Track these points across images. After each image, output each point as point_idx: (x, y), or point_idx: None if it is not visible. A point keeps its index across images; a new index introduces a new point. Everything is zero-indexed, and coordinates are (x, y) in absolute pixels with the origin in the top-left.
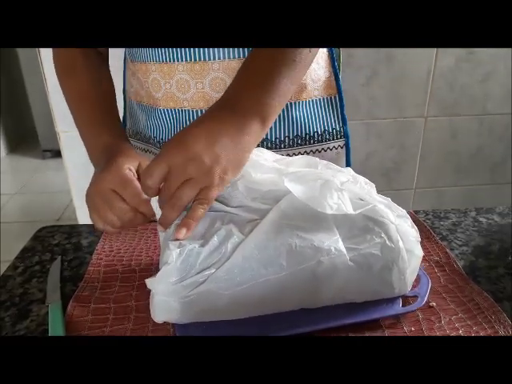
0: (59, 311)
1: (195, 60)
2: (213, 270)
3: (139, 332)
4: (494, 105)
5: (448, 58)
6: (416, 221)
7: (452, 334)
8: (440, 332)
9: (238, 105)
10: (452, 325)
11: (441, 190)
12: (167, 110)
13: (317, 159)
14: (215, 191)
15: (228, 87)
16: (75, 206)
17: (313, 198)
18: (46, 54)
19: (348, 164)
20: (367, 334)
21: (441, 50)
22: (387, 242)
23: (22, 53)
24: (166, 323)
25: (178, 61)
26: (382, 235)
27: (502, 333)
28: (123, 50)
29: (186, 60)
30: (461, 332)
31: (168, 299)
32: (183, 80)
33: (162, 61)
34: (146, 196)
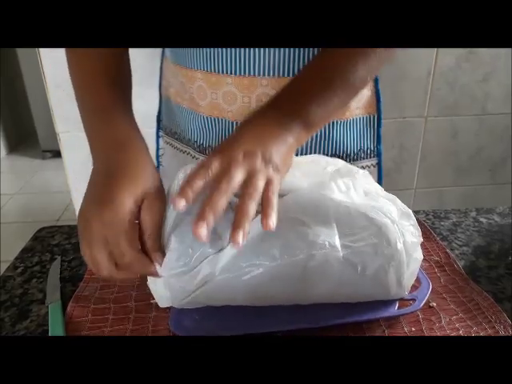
0: (59, 311)
1: (245, 74)
2: (211, 257)
3: (139, 332)
4: (494, 105)
5: (448, 57)
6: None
7: (452, 334)
8: (440, 332)
9: (284, 106)
10: (452, 325)
11: (441, 190)
12: (211, 118)
13: (325, 157)
14: (278, 184)
15: (277, 92)
16: (75, 207)
17: (321, 183)
18: (46, 54)
19: (379, 183)
20: (367, 334)
21: (441, 50)
22: (384, 243)
23: (22, 53)
24: (166, 323)
25: (227, 73)
26: (380, 236)
27: (502, 333)
28: None
29: (236, 73)
30: (461, 332)
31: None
32: (230, 92)
33: (211, 70)
34: (139, 251)
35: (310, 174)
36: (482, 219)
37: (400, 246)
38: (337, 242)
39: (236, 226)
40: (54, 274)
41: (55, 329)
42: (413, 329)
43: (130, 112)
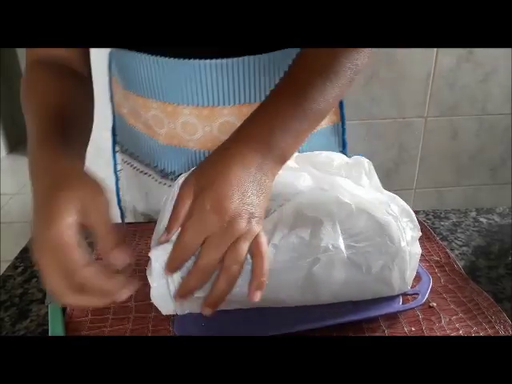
0: (59, 311)
1: (203, 104)
2: None
3: (139, 332)
4: (494, 105)
5: (448, 58)
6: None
7: (452, 334)
8: (440, 332)
9: (259, 144)
10: (452, 325)
11: (441, 191)
12: (170, 146)
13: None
14: (263, 235)
15: (246, 124)
16: None
17: (334, 173)
18: None
19: None
20: (367, 334)
21: (441, 50)
22: (388, 241)
23: (22, 53)
24: (166, 323)
25: (184, 103)
26: (383, 234)
27: (502, 333)
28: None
29: (194, 104)
30: (461, 332)
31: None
32: (190, 123)
33: (166, 100)
34: (88, 266)
35: (320, 166)
36: (481, 219)
37: (403, 243)
38: (340, 243)
39: (210, 300)
40: None
41: (55, 329)
42: (413, 329)
43: (73, 140)
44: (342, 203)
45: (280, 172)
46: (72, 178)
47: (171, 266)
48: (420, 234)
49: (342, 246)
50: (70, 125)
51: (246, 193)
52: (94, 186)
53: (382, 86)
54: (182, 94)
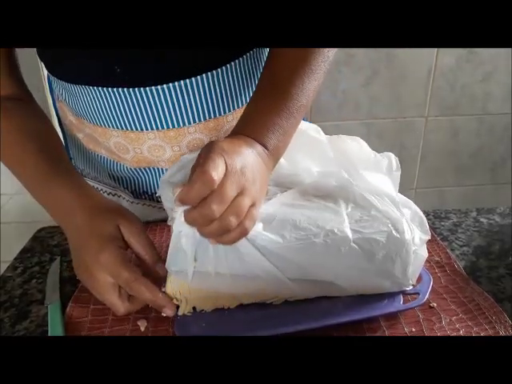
0: (58, 312)
1: (169, 127)
2: None
3: (139, 332)
4: (495, 105)
5: (448, 57)
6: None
7: (452, 335)
8: (440, 332)
9: (265, 147)
10: (452, 325)
11: (441, 191)
12: (139, 169)
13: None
14: (258, 210)
15: (237, 129)
16: None
17: (366, 160)
18: None
19: None
20: (367, 334)
21: (441, 49)
22: (393, 232)
23: (22, 52)
24: (166, 323)
25: (147, 129)
26: (389, 225)
27: (502, 333)
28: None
29: (158, 128)
30: (461, 332)
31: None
32: (157, 146)
33: (127, 129)
34: (143, 279)
35: (348, 153)
36: (482, 219)
37: (408, 236)
38: (346, 228)
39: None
40: (54, 274)
41: (55, 329)
42: (413, 329)
43: (62, 167)
44: (349, 192)
45: (288, 166)
46: (104, 207)
47: (212, 206)
48: (429, 237)
49: (349, 231)
50: (58, 155)
51: (254, 169)
52: (126, 212)
53: (382, 85)
54: (144, 121)
